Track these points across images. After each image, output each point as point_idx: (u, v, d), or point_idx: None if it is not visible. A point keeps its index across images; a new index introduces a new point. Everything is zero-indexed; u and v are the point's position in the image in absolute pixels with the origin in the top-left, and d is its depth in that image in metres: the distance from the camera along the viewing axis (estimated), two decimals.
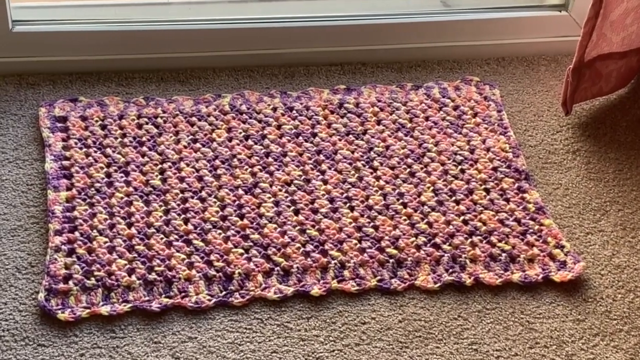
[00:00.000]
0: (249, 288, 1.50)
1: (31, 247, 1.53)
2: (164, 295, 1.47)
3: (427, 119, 1.83)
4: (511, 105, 1.90)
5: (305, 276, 1.53)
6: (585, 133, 1.86)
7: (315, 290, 1.50)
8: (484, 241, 1.60)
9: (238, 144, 1.73)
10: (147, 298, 1.47)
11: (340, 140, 1.76)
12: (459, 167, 1.73)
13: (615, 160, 1.81)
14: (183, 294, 1.48)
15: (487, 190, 1.69)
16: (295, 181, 1.67)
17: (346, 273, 1.54)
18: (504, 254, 1.58)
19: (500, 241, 1.60)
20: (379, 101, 1.85)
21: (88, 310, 1.44)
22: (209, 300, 1.48)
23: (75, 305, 1.44)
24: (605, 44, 1.80)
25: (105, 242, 1.53)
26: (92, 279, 1.48)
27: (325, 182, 1.68)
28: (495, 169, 1.73)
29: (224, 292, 1.49)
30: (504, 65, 2.00)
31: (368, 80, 1.92)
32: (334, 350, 1.43)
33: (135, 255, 1.52)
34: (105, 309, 1.44)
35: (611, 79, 1.88)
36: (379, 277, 1.54)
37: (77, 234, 1.54)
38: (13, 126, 1.75)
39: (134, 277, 1.49)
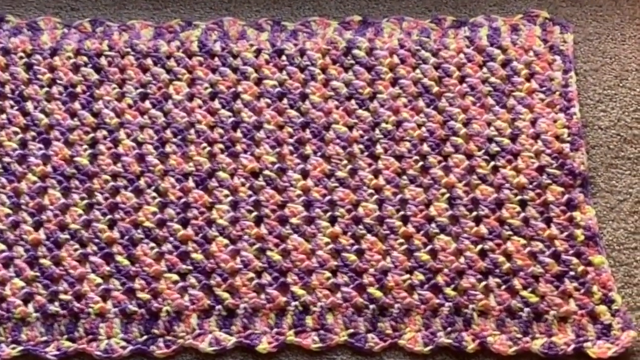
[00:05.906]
0: (177, 334, 1.16)
1: None
2: (65, 336, 1.15)
3: (462, 79, 1.35)
4: (586, 59, 1.39)
5: (254, 320, 1.17)
6: None
7: (264, 345, 1.16)
8: (504, 286, 1.19)
9: (200, 106, 1.31)
10: (44, 338, 1.15)
11: (337, 107, 1.31)
12: (491, 162, 1.28)
13: None
14: (91, 336, 1.15)
15: (524, 204, 1.25)
16: (266, 171, 1.26)
17: (309, 320, 1.17)
18: (526, 309, 1.18)
19: (525, 287, 1.20)
20: (402, 47, 1.37)
21: None
22: (123, 347, 1.15)
23: None
24: None
25: (2, 251, 1.19)
26: None
27: (305, 174, 1.26)
28: (541, 169, 1.27)
29: (144, 337, 1.16)
30: None
31: (394, 7, 1.43)
32: None
33: (38, 273, 1.18)
34: None
35: None
36: (351, 330, 1.17)
37: None
38: None
39: (30, 307, 1.16)
